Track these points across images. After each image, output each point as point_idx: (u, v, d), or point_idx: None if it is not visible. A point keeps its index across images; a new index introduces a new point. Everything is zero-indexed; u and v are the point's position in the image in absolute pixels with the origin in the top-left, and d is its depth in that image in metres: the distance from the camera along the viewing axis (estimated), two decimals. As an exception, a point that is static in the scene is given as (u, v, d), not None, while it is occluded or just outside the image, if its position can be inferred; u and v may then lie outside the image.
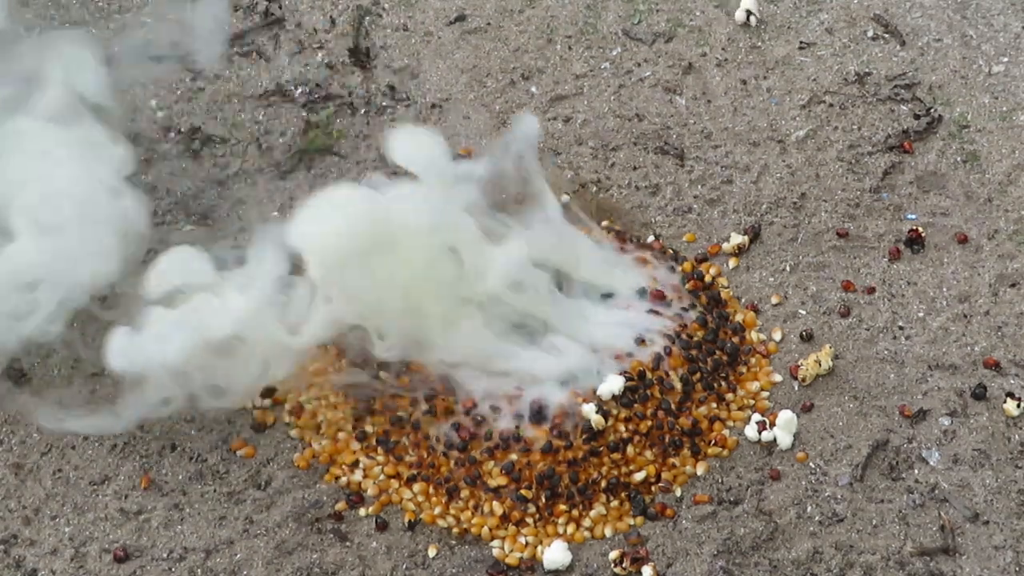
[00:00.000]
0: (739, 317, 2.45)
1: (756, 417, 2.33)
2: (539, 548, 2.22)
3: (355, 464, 2.30)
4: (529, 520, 2.24)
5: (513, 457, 2.25)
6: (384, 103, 2.77)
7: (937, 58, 2.83)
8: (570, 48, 2.87)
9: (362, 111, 2.77)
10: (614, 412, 2.27)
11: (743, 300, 2.49)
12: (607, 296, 2.41)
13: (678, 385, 2.32)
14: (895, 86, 2.79)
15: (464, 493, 2.25)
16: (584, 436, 2.25)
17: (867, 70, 2.81)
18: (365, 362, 2.34)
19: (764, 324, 2.46)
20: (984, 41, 2.86)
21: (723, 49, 2.86)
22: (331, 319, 2.28)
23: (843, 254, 2.55)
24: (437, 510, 2.25)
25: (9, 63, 2.50)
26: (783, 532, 2.23)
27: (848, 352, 2.42)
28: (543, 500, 2.24)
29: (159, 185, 2.65)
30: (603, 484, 2.26)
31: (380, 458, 2.30)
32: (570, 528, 2.24)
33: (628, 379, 2.29)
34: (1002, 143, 2.70)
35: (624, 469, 2.27)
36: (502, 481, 2.24)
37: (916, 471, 2.29)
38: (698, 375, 2.34)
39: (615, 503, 2.26)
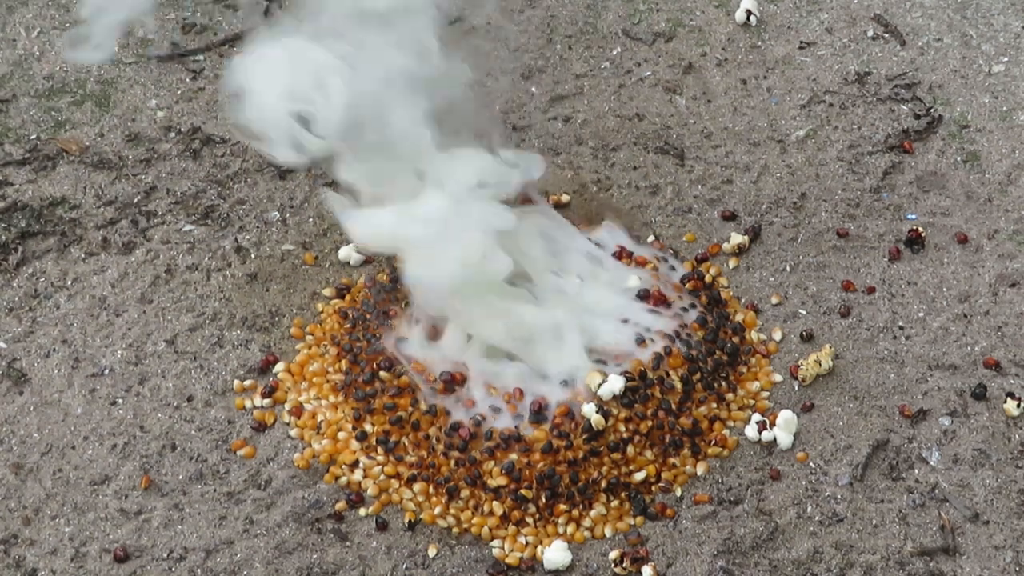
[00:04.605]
0: (739, 317, 2.45)
1: (756, 417, 2.33)
2: (539, 548, 2.22)
3: (355, 464, 2.30)
4: (529, 520, 2.24)
5: (513, 457, 2.25)
6: (384, 103, 2.77)
7: (937, 58, 2.84)
8: (570, 48, 2.87)
9: (362, 111, 2.77)
10: (614, 412, 2.27)
11: (743, 300, 2.49)
12: (609, 296, 2.41)
13: (678, 385, 2.32)
14: (895, 86, 2.79)
15: (464, 493, 2.25)
16: (584, 436, 2.25)
17: (867, 70, 2.81)
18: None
19: (764, 324, 2.46)
20: (984, 41, 2.86)
21: (723, 49, 2.86)
22: None
23: (843, 254, 2.55)
24: (437, 510, 2.25)
25: None
26: (783, 532, 2.23)
27: (848, 352, 2.42)
28: (543, 500, 2.24)
29: (159, 185, 2.65)
30: (603, 484, 2.26)
31: (380, 458, 2.29)
32: (570, 528, 2.24)
33: (628, 379, 2.29)
34: (1002, 143, 2.70)
35: (624, 469, 2.27)
36: (502, 481, 2.24)
37: (916, 471, 2.29)
38: (698, 375, 2.34)
39: (615, 503, 2.26)
